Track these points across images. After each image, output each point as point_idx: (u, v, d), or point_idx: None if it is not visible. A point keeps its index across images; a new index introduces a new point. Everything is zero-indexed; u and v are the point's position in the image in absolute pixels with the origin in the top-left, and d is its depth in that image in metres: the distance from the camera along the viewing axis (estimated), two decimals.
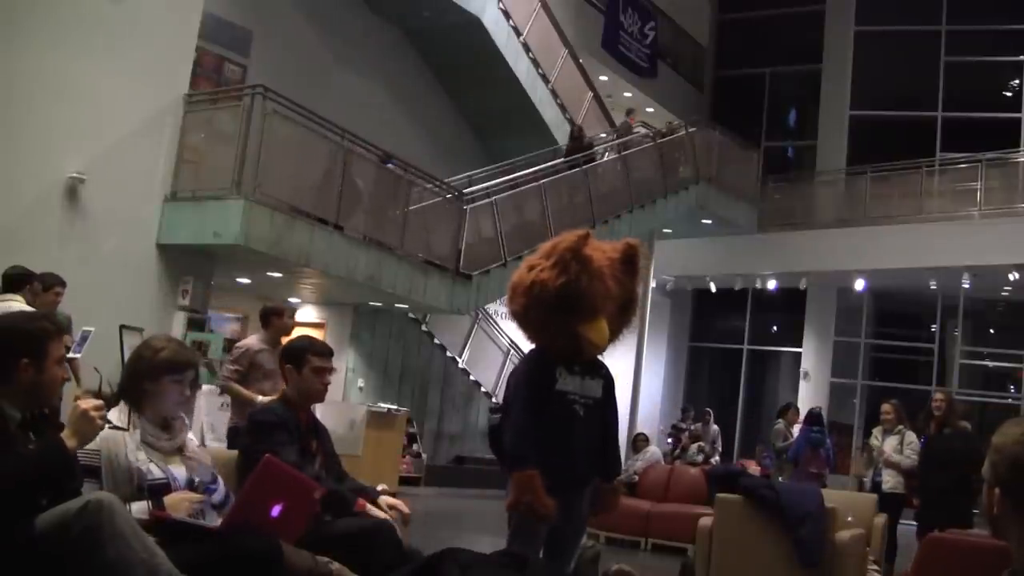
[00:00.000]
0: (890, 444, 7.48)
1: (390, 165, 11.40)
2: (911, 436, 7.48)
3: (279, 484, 3.04)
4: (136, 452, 3.01)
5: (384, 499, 3.65)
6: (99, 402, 2.76)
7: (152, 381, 3.10)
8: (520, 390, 3.76)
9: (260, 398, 5.77)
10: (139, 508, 2.86)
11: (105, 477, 2.90)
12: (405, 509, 3.65)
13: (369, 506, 3.53)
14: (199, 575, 2.71)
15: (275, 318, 6.30)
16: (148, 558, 2.55)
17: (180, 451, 3.18)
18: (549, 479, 3.55)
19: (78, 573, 2.52)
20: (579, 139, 14.44)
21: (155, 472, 3.02)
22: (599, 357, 3.93)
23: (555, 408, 3.71)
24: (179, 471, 3.11)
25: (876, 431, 7.81)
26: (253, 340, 6.38)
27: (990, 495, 1.91)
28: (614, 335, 3.85)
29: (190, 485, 3.11)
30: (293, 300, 13.41)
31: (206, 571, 2.74)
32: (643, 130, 16.20)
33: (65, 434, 2.62)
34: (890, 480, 7.36)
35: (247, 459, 3.42)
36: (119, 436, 2.99)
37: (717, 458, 13.77)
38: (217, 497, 3.18)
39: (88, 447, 2.78)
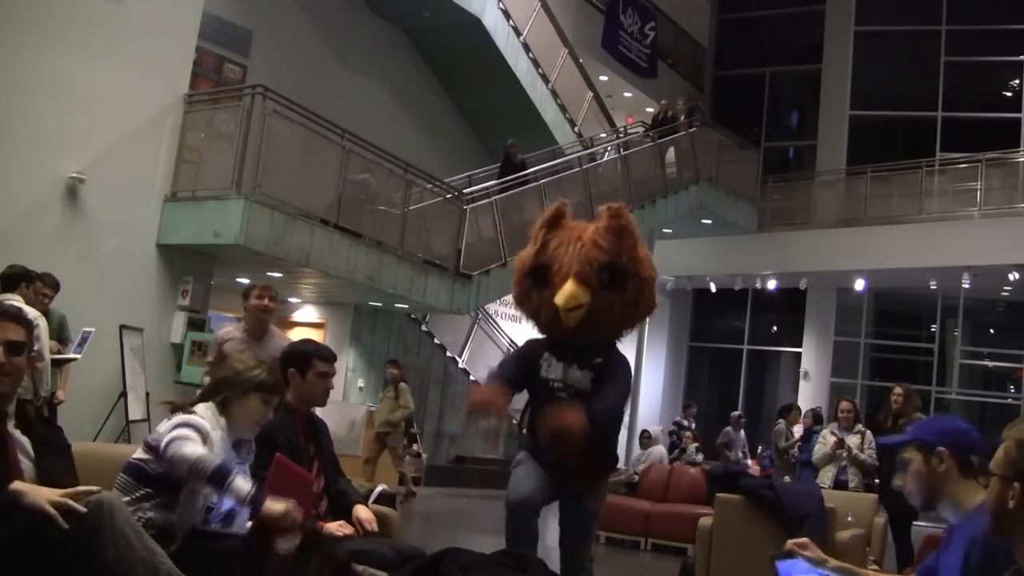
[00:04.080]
0: (852, 443, 7.39)
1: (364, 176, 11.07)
2: (870, 435, 7.40)
3: (291, 480, 3.06)
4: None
5: (358, 512, 3.54)
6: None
7: (240, 394, 3.11)
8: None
9: None
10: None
11: None
12: (373, 527, 3.51)
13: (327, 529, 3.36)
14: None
15: (243, 300, 5.48)
16: (148, 557, 2.56)
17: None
18: (544, 467, 3.72)
19: (78, 573, 2.51)
20: (509, 157, 13.64)
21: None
22: (612, 344, 3.88)
23: (539, 395, 3.80)
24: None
25: (832, 427, 7.65)
26: (229, 328, 5.80)
27: (1005, 490, 1.90)
28: (615, 309, 3.78)
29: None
30: (293, 300, 13.40)
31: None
32: (642, 129, 16.19)
33: (30, 490, 2.50)
34: (855, 479, 7.29)
35: None
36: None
37: (749, 460, 13.19)
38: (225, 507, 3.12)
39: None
